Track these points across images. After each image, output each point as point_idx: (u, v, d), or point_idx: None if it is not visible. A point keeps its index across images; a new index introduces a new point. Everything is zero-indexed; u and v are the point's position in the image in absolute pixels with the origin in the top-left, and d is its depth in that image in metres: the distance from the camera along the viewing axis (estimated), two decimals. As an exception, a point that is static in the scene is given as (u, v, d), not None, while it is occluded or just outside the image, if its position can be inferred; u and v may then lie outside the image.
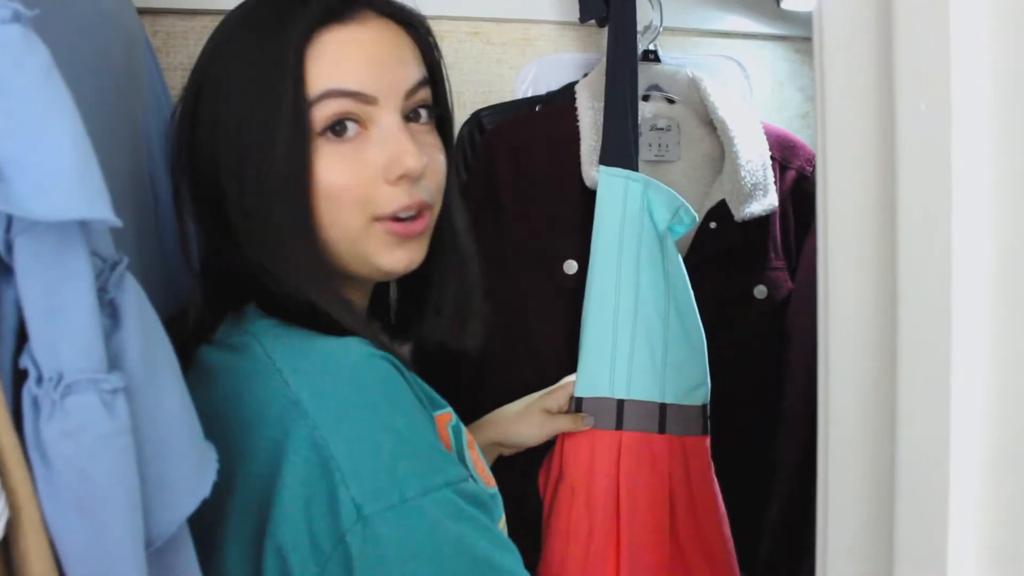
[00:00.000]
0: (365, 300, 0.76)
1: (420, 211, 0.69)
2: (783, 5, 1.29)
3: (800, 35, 1.37)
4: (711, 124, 1.14)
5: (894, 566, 0.48)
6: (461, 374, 1.11)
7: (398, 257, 0.69)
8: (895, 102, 0.47)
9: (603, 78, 1.03)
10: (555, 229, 1.09)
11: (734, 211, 1.09)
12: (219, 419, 0.58)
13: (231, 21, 0.69)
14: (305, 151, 0.64)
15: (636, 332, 0.97)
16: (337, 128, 0.65)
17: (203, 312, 0.68)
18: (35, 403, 0.40)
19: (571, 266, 1.07)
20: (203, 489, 0.48)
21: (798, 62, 1.39)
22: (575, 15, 1.13)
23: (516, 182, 1.10)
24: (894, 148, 0.47)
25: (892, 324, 0.48)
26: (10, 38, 0.38)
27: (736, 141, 1.10)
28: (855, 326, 0.52)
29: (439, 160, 0.72)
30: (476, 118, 1.20)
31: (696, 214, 0.99)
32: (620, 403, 0.97)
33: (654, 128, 1.15)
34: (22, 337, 0.41)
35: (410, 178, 0.67)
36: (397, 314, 0.80)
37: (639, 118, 1.06)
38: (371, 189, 0.66)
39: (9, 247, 0.39)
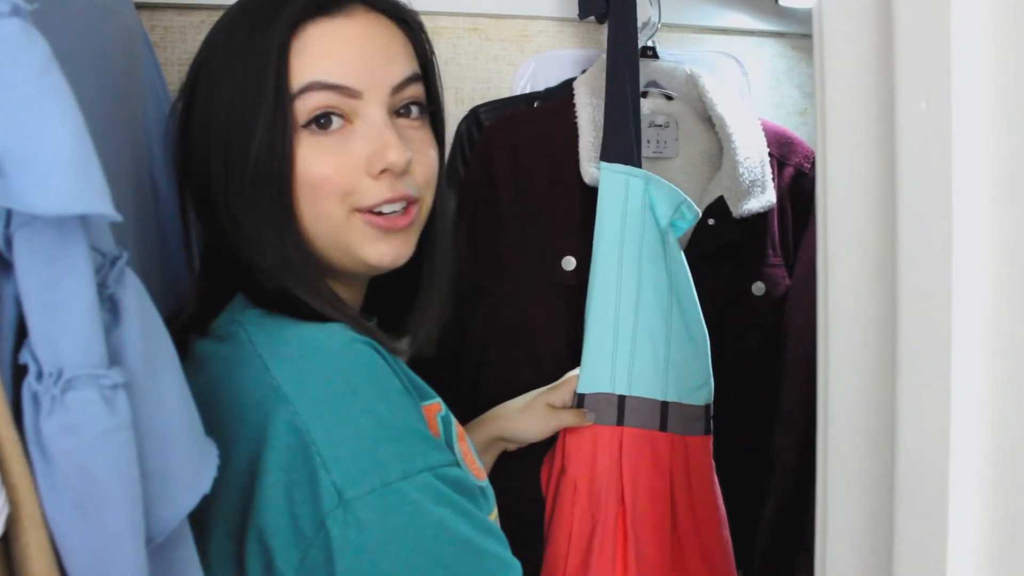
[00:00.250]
0: (359, 296, 0.76)
1: (407, 206, 0.69)
2: (781, 2, 1.29)
3: (798, 32, 1.37)
4: (709, 121, 1.14)
5: (894, 565, 0.48)
6: (460, 371, 1.11)
7: (383, 250, 0.68)
8: (895, 100, 0.47)
9: (602, 74, 1.03)
10: (553, 225, 1.09)
11: (732, 208, 1.09)
12: (204, 406, 0.58)
13: (228, 15, 0.70)
14: (287, 143, 0.64)
15: (638, 329, 0.97)
16: (321, 121, 0.66)
17: (199, 304, 0.69)
18: (35, 399, 0.40)
19: (569, 262, 1.07)
20: (204, 485, 0.48)
21: (796, 59, 1.39)
22: (574, 11, 1.12)
23: (514, 178, 1.10)
24: (894, 145, 0.47)
25: (892, 322, 0.48)
26: (9, 32, 0.38)
27: (734, 138, 1.10)
28: (855, 324, 0.52)
29: (430, 156, 0.72)
30: (474, 114, 1.20)
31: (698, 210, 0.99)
32: (621, 399, 0.97)
33: (652, 124, 1.15)
34: (22, 332, 0.41)
35: (393, 172, 0.67)
36: (390, 309, 0.80)
37: (638, 114, 1.06)
38: (353, 181, 0.66)
39: (8, 242, 0.39)
